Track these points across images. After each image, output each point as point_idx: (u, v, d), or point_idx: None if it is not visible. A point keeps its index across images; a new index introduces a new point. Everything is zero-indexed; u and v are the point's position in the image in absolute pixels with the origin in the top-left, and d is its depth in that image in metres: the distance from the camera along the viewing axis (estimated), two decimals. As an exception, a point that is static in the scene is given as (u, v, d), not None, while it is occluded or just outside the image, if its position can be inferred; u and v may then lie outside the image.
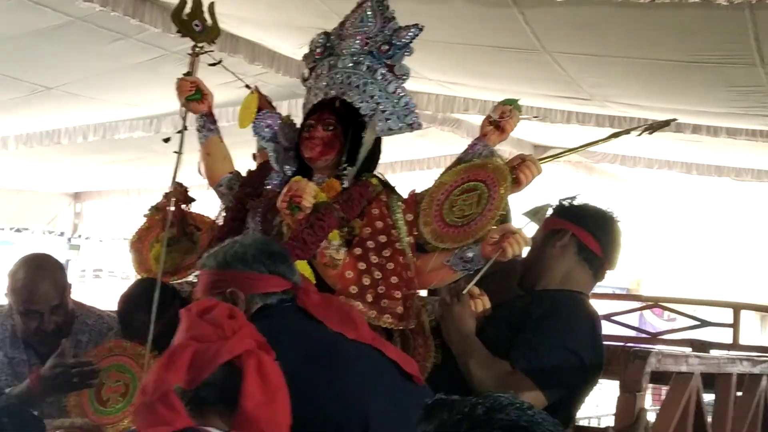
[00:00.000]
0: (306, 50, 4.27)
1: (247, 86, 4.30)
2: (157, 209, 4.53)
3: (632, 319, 7.63)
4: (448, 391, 2.04)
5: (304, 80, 4.23)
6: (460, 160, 4.02)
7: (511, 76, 7.64)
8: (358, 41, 4.03)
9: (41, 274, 4.45)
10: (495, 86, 8.16)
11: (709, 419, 4.54)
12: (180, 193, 4.43)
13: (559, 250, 3.98)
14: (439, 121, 9.36)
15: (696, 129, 8.46)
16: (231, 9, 5.76)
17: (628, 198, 12.52)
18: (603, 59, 6.77)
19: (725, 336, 6.64)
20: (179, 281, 4.43)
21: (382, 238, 3.80)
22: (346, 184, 3.89)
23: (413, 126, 4.06)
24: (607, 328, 6.25)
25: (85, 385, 4.28)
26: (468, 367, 3.71)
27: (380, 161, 4.09)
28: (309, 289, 3.49)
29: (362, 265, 3.73)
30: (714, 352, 5.93)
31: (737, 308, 6.73)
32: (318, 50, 4.17)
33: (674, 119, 5.02)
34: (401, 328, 3.71)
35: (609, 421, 3.92)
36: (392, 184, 4.06)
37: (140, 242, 4.56)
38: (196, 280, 4.11)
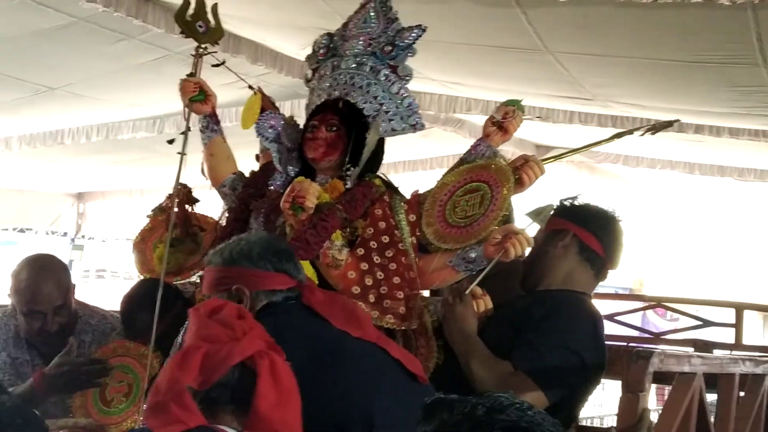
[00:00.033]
0: (309, 51, 4.28)
1: (250, 87, 4.30)
2: (161, 210, 4.54)
3: (635, 319, 7.63)
4: (451, 391, 2.04)
5: (307, 81, 4.23)
6: (462, 161, 4.03)
7: (514, 76, 7.64)
8: (361, 42, 4.03)
9: (44, 275, 4.46)
10: (497, 86, 8.16)
11: (712, 419, 4.55)
12: (184, 194, 4.43)
13: (561, 251, 3.98)
14: (441, 121, 9.36)
15: (698, 129, 8.45)
16: (233, 9, 5.77)
17: (631, 198, 12.51)
18: (605, 59, 6.77)
19: (728, 336, 6.64)
20: (182, 282, 4.44)
21: (385, 239, 3.81)
22: (349, 185, 3.90)
23: (416, 127, 4.06)
24: (609, 328, 6.25)
25: (93, 383, 4.30)
26: (470, 367, 3.71)
27: (383, 161, 4.10)
28: (314, 287, 3.50)
29: (365, 266, 3.74)
30: (717, 353, 5.93)
31: (740, 308, 6.73)
32: (321, 51, 4.17)
33: (677, 120, 5.02)
34: (403, 328, 3.71)
35: (612, 422, 3.92)
36: (395, 185, 4.06)
37: (143, 243, 4.56)
38: (199, 281, 4.13)
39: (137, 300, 4.37)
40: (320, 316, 3.34)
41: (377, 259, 3.75)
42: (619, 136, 4.62)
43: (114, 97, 8.64)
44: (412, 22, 4.06)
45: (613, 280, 4.20)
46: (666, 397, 4.38)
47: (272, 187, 4.08)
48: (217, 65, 4.28)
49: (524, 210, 3.96)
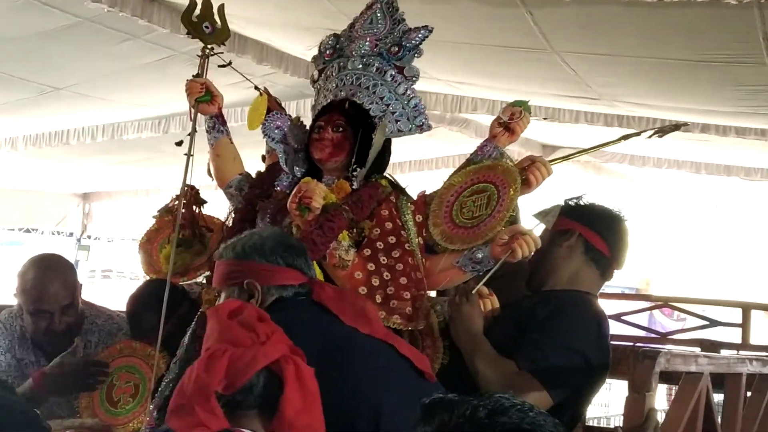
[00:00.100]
0: (315, 52, 4.27)
1: (257, 88, 4.30)
2: (167, 211, 4.54)
3: (642, 318, 7.63)
4: (458, 391, 2.03)
5: (314, 82, 4.23)
6: (469, 162, 4.02)
7: (520, 75, 7.64)
8: (367, 43, 4.03)
9: (51, 274, 4.46)
10: (503, 86, 8.16)
11: (719, 419, 4.54)
12: (192, 195, 4.43)
13: (566, 251, 3.98)
14: (447, 121, 9.35)
15: (705, 128, 8.44)
16: (239, 9, 5.77)
17: (637, 198, 12.51)
18: (611, 59, 6.76)
19: (735, 336, 6.63)
20: (189, 282, 4.43)
21: (392, 239, 3.81)
22: (355, 186, 3.90)
23: (423, 127, 4.05)
24: (616, 328, 6.25)
25: (93, 385, 4.30)
26: (475, 366, 3.72)
27: (389, 162, 4.09)
28: (324, 284, 3.53)
29: (371, 266, 3.74)
30: (724, 352, 5.92)
31: (747, 308, 6.72)
32: (327, 52, 4.17)
33: (685, 123, 5.01)
34: (410, 328, 3.71)
35: (619, 422, 3.92)
36: (402, 185, 4.06)
37: (149, 243, 4.56)
38: (205, 281, 4.13)
39: (143, 300, 4.38)
40: (330, 312, 3.37)
41: (384, 260, 3.75)
42: (626, 137, 4.61)
43: (119, 97, 8.64)
44: (417, 22, 4.06)
45: (620, 279, 4.20)
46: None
47: (279, 188, 4.07)
48: (223, 66, 4.28)
49: (531, 210, 3.96)
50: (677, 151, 10.37)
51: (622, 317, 6.76)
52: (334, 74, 4.08)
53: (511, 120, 3.97)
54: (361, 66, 4.02)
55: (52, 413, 4.28)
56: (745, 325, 6.59)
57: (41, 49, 7.05)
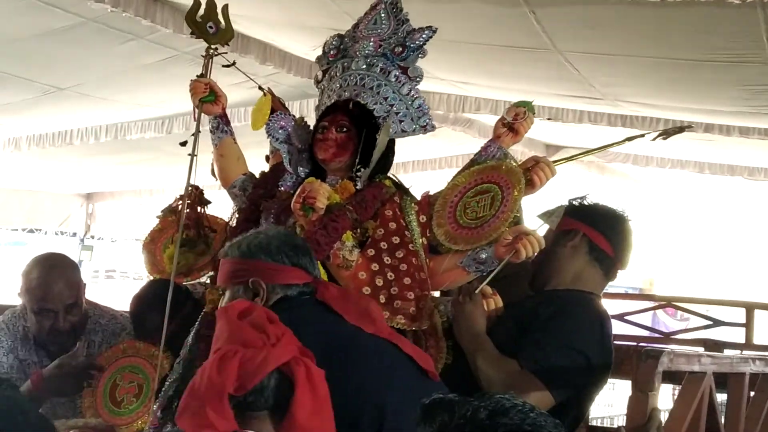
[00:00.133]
0: (319, 52, 4.27)
1: (260, 88, 4.30)
2: (171, 211, 4.54)
3: (645, 318, 7.64)
4: (461, 391, 2.03)
5: (318, 82, 4.23)
6: (473, 162, 4.02)
7: (523, 75, 7.64)
8: (371, 43, 4.03)
9: (55, 273, 4.47)
10: (506, 85, 8.16)
11: (722, 419, 4.54)
12: (196, 195, 4.43)
13: (570, 250, 3.97)
14: (450, 120, 9.35)
15: (708, 128, 8.43)
16: (242, 9, 5.76)
17: (641, 198, 12.51)
18: (615, 58, 6.76)
19: (738, 336, 6.63)
20: (192, 282, 4.44)
21: (396, 240, 3.81)
22: (359, 186, 3.90)
23: (426, 128, 4.05)
24: (620, 328, 6.25)
25: (90, 387, 4.31)
26: (477, 365, 3.72)
27: (393, 162, 4.09)
28: (328, 284, 3.55)
29: (375, 266, 3.74)
30: (727, 352, 5.92)
31: (750, 308, 6.73)
32: (331, 52, 4.17)
33: (689, 126, 5.01)
34: (414, 328, 3.71)
35: (623, 422, 3.92)
36: (406, 186, 4.06)
37: (153, 244, 4.56)
38: (209, 281, 4.14)
39: (147, 300, 4.38)
40: (334, 312, 3.38)
41: (388, 260, 3.75)
42: (630, 139, 4.60)
43: (122, 98, 8.65)
44: (420, 21, 4.05)
45: (623, 279, 4.19)
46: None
47: (282, 188, 4.07)
48: (228, 66, 4.28)
49: (534, 211, 3.96)
50: (681, 150, 10.36)
51: (626, 317, 6.78)
52: (338, 75, 4.08)
53: (515, 120, 3.97)
54: (365, 66, 4.01)
55: (54, 413, 4.29)
56: (748, 325, 6.61)
57: (44, 49, 7.05)
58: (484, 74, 7.91)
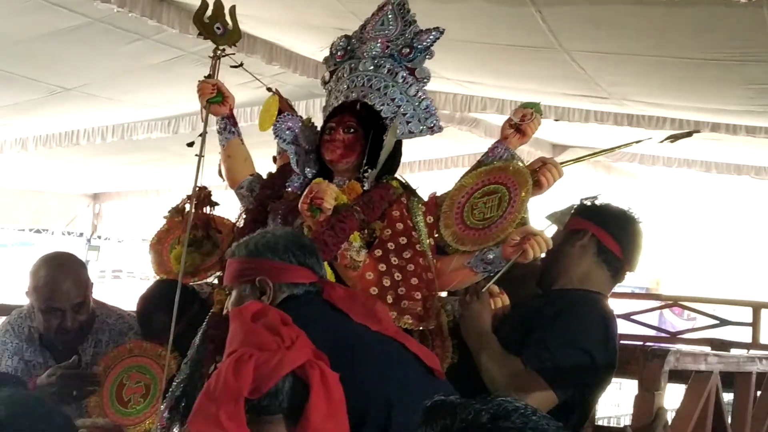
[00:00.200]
0: (326, 53, 4.28)
1: (269, 89, 4.31)
2: (177, 211, 4.54)
3: (652, 318, 7.65)
4: (466, 389, 2.02)
5: (325, 83, 4.23)
6: (480, 163, 4.02)
7: (529, 74, 7.63)
8: (378, 44, 4.02)
9: (63, 272, 4.47)
10: (512, 85, 8.16)
11: (729, 418, 4.54)
12: (205, 196, 4.43)
13: (579, 250, 3.97)
14: (457, 120, 9.35)
15: (715, 127, 8.43)
16: (248, 9, 5.77)
17: (647, 197, 12.50)
18: (621, 57, 6.76)
19: (745, 335, 6.63)
20: (199, 282, 4.44)
21: (403, 240, 3.81)
22: (366, 187, 3.90)
23: (434, 129, 4.04)
24: (626, 328, 6.25)
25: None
26: (481, 363, 3.72)
27: (400, 163, 4.10)
28: (334, 284, 3.56)
29: (382, 267, 3.74)
30: (734, 351, 5.92)
31: (757, 307, 6.74)
32: (339, 53, 4.16)
33: (697, 130, 5.01)
34: (421, 328, 3.71)
35: (629, 422, 3.91)
36: (413, 187, 4.06)
37: (160, 244, 4.56)
38: (216, 282, 4.14)
39: (153, 301, 4.38)
40: (340, 311, 3.38)
41: (395, 261, 3.75)
42: (638, 142, 4.60)
43: (129, 98, 8.66)
44: (427, 20, 4.05)
45: (630, 279, 4.17)
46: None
47: (290, 189, 4.07)
48: (235, 67, 4.28)
49: (540, 211, 3.95)
50: (687, 150, 10.36)
51: (632, 317, 6.78)
52: (345, 76, 4.08)
53: (522, 121, 3.97)
54: (372, 67, 4.01)
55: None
56: (755, 325, 6.61)
57: (51, 49, 7.06)
58: (490, 74, 7.91)
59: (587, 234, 3.96)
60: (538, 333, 3.72)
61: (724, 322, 6.83)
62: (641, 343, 5.01)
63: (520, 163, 3.91)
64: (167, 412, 3.80)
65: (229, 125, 4.26)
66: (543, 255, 3.78)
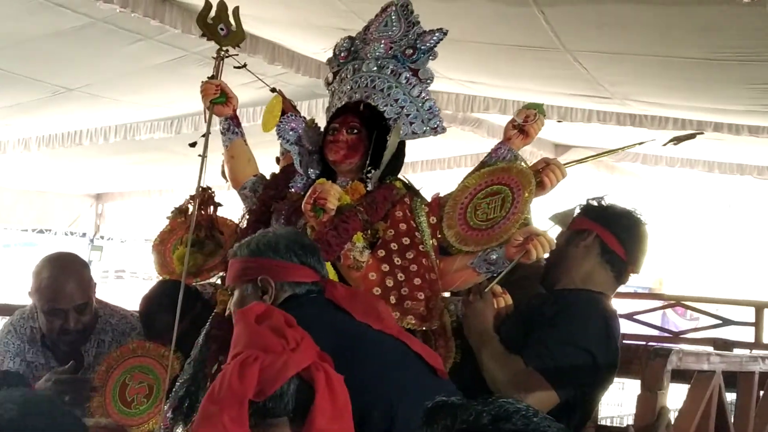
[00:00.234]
0: (329, 53, 4.28)
1: (273, 90, 4.31)
2: (180, 212, 4.54)
3: (655, 318, 7.63)
4: (469, 388, 2.02)
5: (328, 84, 4.23)
6: (483, 164, 4.02)
7: (532, 74, 7.63)
8: (382, 45, 4.03)
9: (66, 273, 4.46)
10: (515, 85, 8.15)
11: (732, 418, 4.53)
12: (208, 196, 4.43)
13: (582, 250, 3.96)
14: (459, 120, 9.35)
15: (717, 127, 8.42)
16: (250, 9, 5.77)
17: (650, 197, 12.50)
18: (623, 57, 6.75)
19: (748, 335, 6.63)
20: (202, 283, 4.44)
21: (406, 241, 3.81)
22: (370, 187, 3.90)
23: (437, 130, 4.05)
24: (629, 327, 6.25)
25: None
26: (483, 362, 3.72)
27: (403, 163, 4.10)
28: (336, 283, 3.57)
29: (385, 267, 3.74)
30: (737, 351, 5.92)
31: (760, 307, 6.72)
32: (342, 54, 4.17)
33: (701, 132, 5.00)
34: (424, 328, 3.71)
35: (632, 421, 3.91)
36: (416, 187, 4.06)
37: (162, 245, 4.57)
38: (219, 282, 4.14)
39: (156, 301, 4.38)
40: (342, 310, 3.39)
41: (398, 261, 3.76)
42: (641, 143, 4.60)
43: (131, 98, 8.66)
44: (429, 20, 4.06)
45: (633, 279, 4.16)
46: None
47: (293, 190, 4.08)
48: (239, 67, 4.29)
49: (544, 211, 3.95)
50: (690, 150, 10.35)
51: (635, 316, 6.77)
52: (348, 76, 4.08)
53: (525, 122, 3.97)
54: (375, 68, 4.02)
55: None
56: (758, 324, 6.60)
57: (54, 49, 7.07)
58: (493, 74, 7.91)
59: (591, 234, 3.96)
60: (539, 332, 3.72)
61: (726, 322, 6.82)
62: (644, 342, 5.00)
63: (523, 164, 3.92)
64: (170, 413, 3.81)
65: (233, 126, 4.27)
66: (546, 255, 3.78)
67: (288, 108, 4.28)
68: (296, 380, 2.68)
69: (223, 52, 4.23)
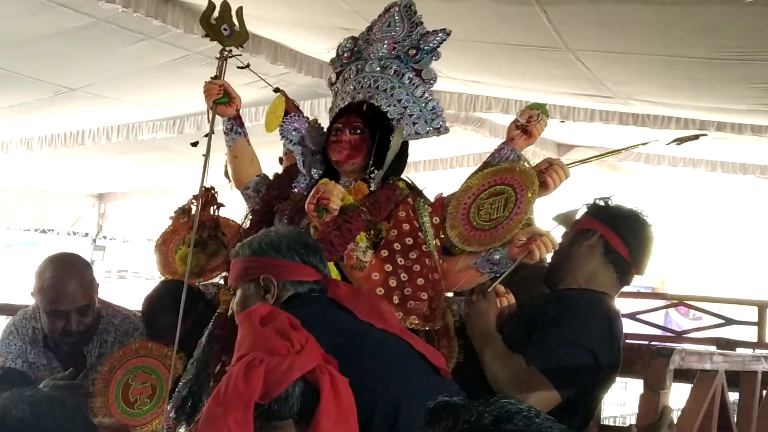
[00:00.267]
0: (332, 54, 4.28)
1: (276, 90, 4.31)
2: (183, 212, 4.54)
3: (657, 317, 7.64)
4: (472, 388, 2.02)
5: (331, 84, 4.23)
6: (487, 164, 4.02)
7: (534, 74, 7.62)
8: (385, 46, 4.03)
9: (69, 275, 4.46)
10: (518, 84, 8.15)
11: (734, 418, 4.53)
12: (212, 196, 4.43)
13: (586, 250, 3.95)
14: (461, 120, 9.34)
15: (720, 126, 8.41)
16: (252, 9, 5.78)
17: (653, 196, 12.48)
18: (626, 56, 6.75)
19: (751, 334, 6.63)
20: (205, 283, 4.44)
21: (409, 241, 3.81)
22: (373, 188, 3.90)
23: (440, 130, 4.05)
24: (632, 327, 6.25)
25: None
26: (485, 361, 3.72)
27: (406, 163, 4.10)
28: (338, 282, 3.58)
29: (389, 267, 3.74)
30: (740, 350, 5.91)
31: (762, 306, 6.73)
32: (345, 54, 4.17)
33: (704, 133, 4.99)
34: (427, 329, 3.71)
35: (635, 421, 3.91)
36: (419, 187, 4.06)
37: (165, 245, 4.57)
38: (222, 282, 4.14)
39: (159, 301, 4.38)
40: (345, 309, 3.39)
41: (401, 261, 3.76)
42: (644, 143, 4.60)
43: (134, 98, 8.66)
44: (431, 20, 4.06)
45: (636, 279, 4.16)
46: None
47: (296, 190, 4.08)
48: (242, 67, 4.29)
49: (547, 212, 3.95)
50: (693, 149, 10.34)
51: (638, 316, 6.77)
52: (351, 77, 4.08)
53: (528, 123, 3.98)
54: (378, 69, 4.02)
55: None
56: (761, 324, 6.60)
57: (56, 49, 7.07)
58: (495, 73, 7.90)
59: (596, 234, 3.95)
60: (542, 332, 3.71)
61: (729, 322, 6.83)
62: (647, 342, 5.00)
63: (526, 164, 3.92)
64: (173, 412, 3.81)
65: (236, 126, 4.27)
66: (549, 255, 3.78)
67: (291, 108, 4.29)
68: (301, 383, 2.68)
69: (226, 53, 4.23)
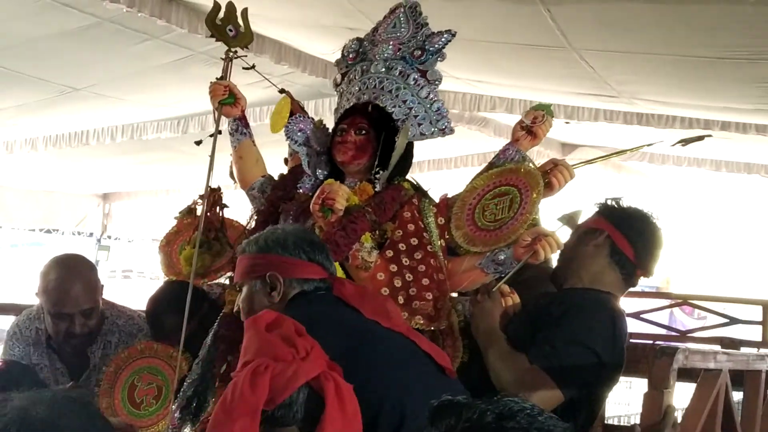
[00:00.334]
0: (337, 55, 4.29)
1: (282, 91, 4.32)
2: (189, 212, 4.54)
3: (662, 317, 7.61)
4: (477, 388, 2.02)
5: (337, 85, 4.24)
6: (492, 165, 4.03)
7: (538, 73, 7.62)
8: (390, 46, 4.04)
9: (73, 277, 4.45)
10: (522, 84, 8.14)
11: (738, 417, 4.53)
12: (218, 197, 4.43)
13: (592, 250, 3.95)
14: (466, 119, 9.34)
15: (725, 126, 8.39)
16: (257, 9, 5.77)
17: (657, 196, 12.47)
18: (630, 56, 6.74)
19: (755, 333, 6.62)
20: (210, 283, 4.44)
21: (414, 241, 3.82)
22: (378, 188, 3.91)
23: (445, 131, 4.06)
24: (636, 326, 6.24)
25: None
26: (488, 360, 3.72)
27: (411, 164, 4.10)
28: (344, 280, 3.57)
29: (394, 268, 3.75)
30: (744, 350, 5.91)
31: (767, 306, 6.70)
32: (350, 55, 4.18)
33: (709, 134, 4.99)
34: (432, 328, 3.72)
35: (639, 420, 3.91)
36: (425, 188, 4.07)
37: (169, 246, 4.57)
38: (227, 282, 4.15)
39: (163, 302, 4.38)
40: (351, 307, 3.39)
41: (406, 261, 3.77)
42: (649, 144, 4.60)
43: (138, 98, 8.66)
44: (435, 20, 4.06)
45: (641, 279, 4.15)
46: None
47: (301, 190, 4.09)
48: (248, 68, 4.30)
49: (552, 212, 3.95)
50: (697, 149, 10.32)
51: (642, 315, 6.76)
52: (357, 78, 4.09)
53: (533, 124, 3.98)
54: (384, 69, 4.02)
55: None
56: (765, 323, 6.58)
57: (60, 49, 7.07)
58: (499, 72, 7.90)
59: (603, 234, 3.94)
60: (546, 331, 3.71)
61: (734, 321, 6.81)
62: (651, 341, 5.00)
63: (531, 165, 3.92)
64: (178, 412, 3.81)
65: (241, 126, 4.28)
66: (554, 256, 3.78)
67: (296, 109, 4.29)
68: (306, 389, 2.68)
69: (231, 53, 4.24)
